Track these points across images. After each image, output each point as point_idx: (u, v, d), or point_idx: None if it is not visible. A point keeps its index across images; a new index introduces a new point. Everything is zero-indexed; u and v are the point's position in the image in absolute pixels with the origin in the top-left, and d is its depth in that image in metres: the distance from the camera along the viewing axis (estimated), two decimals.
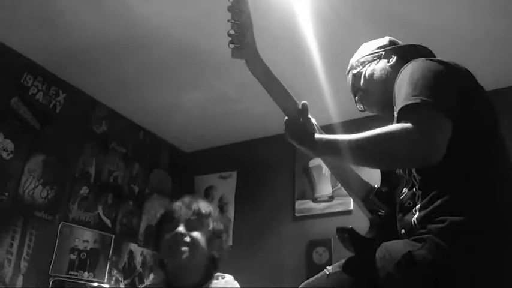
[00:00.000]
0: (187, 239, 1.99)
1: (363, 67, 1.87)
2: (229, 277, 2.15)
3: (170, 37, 3.70)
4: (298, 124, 1.63)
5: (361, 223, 4.06)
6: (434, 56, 1.75)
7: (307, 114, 1.65)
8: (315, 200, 4.69)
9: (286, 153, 4.92)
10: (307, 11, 3.35)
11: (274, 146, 5.06)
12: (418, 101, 1.34)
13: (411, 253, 1.29)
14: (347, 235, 1.70)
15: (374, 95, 1.83)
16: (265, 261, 4.59)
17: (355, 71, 1.90)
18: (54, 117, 4.17)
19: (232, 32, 1.58)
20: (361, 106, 1.91)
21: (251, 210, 5.00)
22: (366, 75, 1.84)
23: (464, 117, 1.38)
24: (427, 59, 1.52)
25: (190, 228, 2.02)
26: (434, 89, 1.38)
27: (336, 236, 1.76)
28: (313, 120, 1.67)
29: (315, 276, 1.74)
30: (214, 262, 2.12)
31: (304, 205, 4.73)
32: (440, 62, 1.49)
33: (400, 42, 1.92)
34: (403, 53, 1.81)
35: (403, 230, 1.51)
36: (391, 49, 1.85)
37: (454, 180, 1.38)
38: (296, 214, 4.74)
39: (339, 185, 4.50)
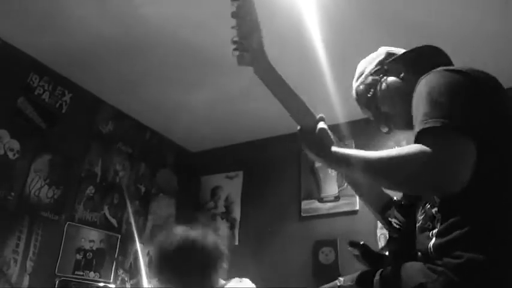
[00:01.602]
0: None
1: (374, 89, 1.73)
2: (246, 280, 2.28)
3: (177, 37, 3.70)
4: (314, 134, 1.53)
5: (367, 223, 4.06)
6: (447, 58, 1.65)
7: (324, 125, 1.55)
8: (321, 200, 4.68)
9: (292, 153, 4.92)
10: (314, 10, 3.34)
11: (281, 146, 5.07)
12: (438, 124, 1.22)
13: (424, 285, 1.23)
14: (360, 252, 1.61)
15: (401, 116, 1.67)
16: (271, 261, 4.58)
17: (368, 94, 1.75)
18: (60, 117, 4.18)
19: (236, 38, 1.48)
20: (388, 129, 1.78)
21: (257, 210, 4.99)
22: (382, 97, 1.71)
23: (489, 139, 1.26)
24: (445, 70, 1.38)
25: (181, 270, 2.16)
26: (456, 108, 1.26)
27: (349, 250, 1.67)
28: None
29: (326, 286, 1.65)
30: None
31: (310, 205, 4.72)
32: (460, 73, 1.35)
33: (396, 49, 1.80)
34: (410, 61, 1.69)
35: (419, 252, 1.43)
36: (395, 60, 1.72)
37: (475, 211, 1.25)
38: (302, 214, 4.74)
39: (345, 185, 4.54)
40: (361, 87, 1.79)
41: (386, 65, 1.73)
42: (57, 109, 4.16)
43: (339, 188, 4.62)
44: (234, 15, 1.47)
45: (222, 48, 3.61)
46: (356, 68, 1.87)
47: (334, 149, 1.48)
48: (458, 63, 1.50)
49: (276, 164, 5.11)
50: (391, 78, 1.71)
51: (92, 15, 3.50)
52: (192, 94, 4.54)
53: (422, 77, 1.42)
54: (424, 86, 1.37)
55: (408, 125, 1.61)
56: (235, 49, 1.48)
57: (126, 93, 4.58)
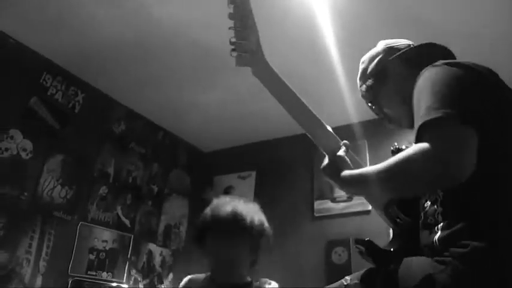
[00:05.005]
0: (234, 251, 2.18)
1: (376, 90, 1.76)
2: (274, 284, 2.28)
3: (188, 37, 3.70)
4: (333, 160, 1.59)
5: (379, 223, 4.00)
6: (452, 55, 1.65)
7: (345, 152, 1.60)
8: (333, 200, 4.66)
9: (304, 153, 4.90)
10: (326, 11, 3.33)
11: (293, 146, 5.05)
12: (440, 114, 1.23)
13: (432, 276, 1.23)
14: (364, 248, 1.59)
15: (405, 117, 1.69)
16: (285, 261, 4.56)
17: (370, 96, 1.80)
18: (73, 117, 4.19)
19: (234, 39, 1.54)
20: (390, 125, 1.83)
21: (270, 211, 4.90)
22: (384, 99, 1.75)
23: (491, 128, 1.27)
24: (444, 63, 1.39)
25: (235, 234, 2.18)
26: (457, 98, 1.27)
27: (354, 247, 1.69)
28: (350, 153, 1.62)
29: (332, 285, 1.63)
30: (255, 262, 2.30)
31: (323, 205, 4.70)
32: (460, 66, 1.36)
33: (395, 42, 1.80)
34: (411, 60, 1.69)
35: (425, 248, 1.44)
36: (395, 59, 1.72)
37: (478, 201, 1.27)
38: (315, 214, 4.72)
39: None
40: (364, 87, 1.82)
41: (387, 64, 1.74)
42: (70, 109, 4.18)
43: None
44: (231, 16, 1.51)
45: None
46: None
47: (344, 172, 1.52)
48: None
49: (289, 164, 5.09)
50: (392, 81, 1.72)
51: (104, 16, 3.51)
52: (205, 94, 4.54)
53: (422, 71, 1.43)
54: (424, 80, 1.38)
55: (409, 125, 1.65)
56: (233, 50, 1.55)
57: (138, 93, 4.59)
